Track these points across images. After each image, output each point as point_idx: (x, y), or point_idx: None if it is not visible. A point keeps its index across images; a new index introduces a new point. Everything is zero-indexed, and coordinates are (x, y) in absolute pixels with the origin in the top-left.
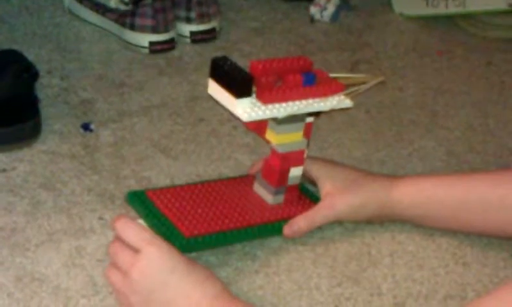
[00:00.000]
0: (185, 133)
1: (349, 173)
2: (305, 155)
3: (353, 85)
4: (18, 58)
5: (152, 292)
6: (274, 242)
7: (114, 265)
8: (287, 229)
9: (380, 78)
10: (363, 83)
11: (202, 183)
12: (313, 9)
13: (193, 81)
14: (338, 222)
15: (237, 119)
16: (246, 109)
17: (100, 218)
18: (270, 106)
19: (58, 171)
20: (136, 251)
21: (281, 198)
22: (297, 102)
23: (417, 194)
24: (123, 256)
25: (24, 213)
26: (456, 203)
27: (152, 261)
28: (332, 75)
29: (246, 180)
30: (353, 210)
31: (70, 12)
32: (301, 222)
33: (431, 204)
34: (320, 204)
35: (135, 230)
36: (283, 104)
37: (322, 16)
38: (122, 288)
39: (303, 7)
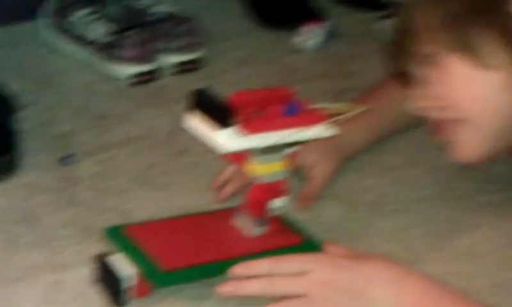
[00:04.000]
0: (168, 165)
1: None
2: (286, 186)
3: (336, 114)
4: None
5: None
6: None
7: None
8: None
9: (363, 107)
10: (346, 112)
11: (182, 216)
12: (299, 38)
13: (176, 112)
14: None
15: (219, 151)
16: (226, 139)
17: (79, 252)
18: (251, 136)
19: (37, 204)
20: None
21: (263, 229)
22: (278, 132)
23: None
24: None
25: (2, 248)
26: None
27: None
28: (315, 105)
29: (227, 212)
30: None
31: (52, 44)
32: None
33: None
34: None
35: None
36: (264, 134)
37: (307, 45)
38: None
39: (288, 36)
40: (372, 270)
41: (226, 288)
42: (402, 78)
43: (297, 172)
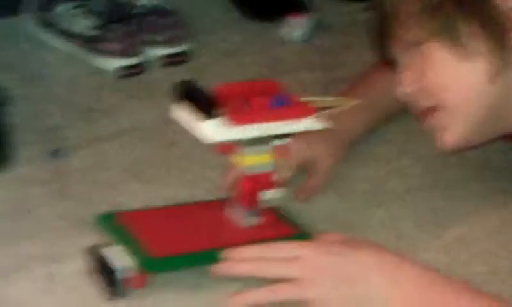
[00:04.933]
0: (157, 157)
1: None
2: (275, 178)
3: (325, 108)
4: None
5: None
6: None
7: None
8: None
9: (354, 102)
10: (336, 106)
11: (174, 205)
12: (285, 30)
13: (164, 104)
14: None
15: (206, 141)
16: (212, 130)
17: (73, 244)
18: (237, 128)
19: (28, 198)
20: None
21: (254, 220)
22: (265, 124)
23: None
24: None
25: None
26: None
27: None
28: (304, 98)
29: (219, 202)
30: None
31: (37, 39)
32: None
33: None
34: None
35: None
36: (251, 126)
37: (294, 37)
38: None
39: (275, 28)
40: (365, 257)
41: (219, 268)
42: (388, 63)
43: (302, 165)
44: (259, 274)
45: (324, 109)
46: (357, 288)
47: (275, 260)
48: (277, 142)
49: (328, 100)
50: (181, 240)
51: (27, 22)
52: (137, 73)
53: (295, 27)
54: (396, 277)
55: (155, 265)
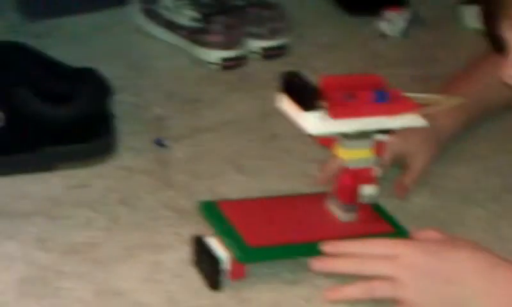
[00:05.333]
0: (258, 149)
1: None
2: (377, 174)
3: (428, 105)
4: (93, 76)
5: None
6: None
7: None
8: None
9: (456, 101)
10: (439, 103)
11: (274, 197)
12: (383, 24)
13: (265, 97)
14: None
15: (307, 134)
16: (314, 122)
17: (177, 233)
18: (339, 121)
19: (134, 186)
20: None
21: (352, 215)
22: (367, 119)
23: None
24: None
25: (103, 228)
26: None
27: None
28: (407, 94)
29: (319, 196)
30: None
31: (141, 29)
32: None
33: None
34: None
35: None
36: (353, 120)
37: (392, 31)
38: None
39: (373, 22)
40: (463, 257)
41: (318, 264)
42: (494, 43)
43: (396, 160)
44: (356, 271)
45: (425, 106)
46: (453, 288)
47: (373, 258)
48: (378, 137)
49: (430, 97)
50: (278, 231)
51: (132, 13)
52: (239, 65)
53: (392, 22)
54: (493, 279)
55: (252, 254)
